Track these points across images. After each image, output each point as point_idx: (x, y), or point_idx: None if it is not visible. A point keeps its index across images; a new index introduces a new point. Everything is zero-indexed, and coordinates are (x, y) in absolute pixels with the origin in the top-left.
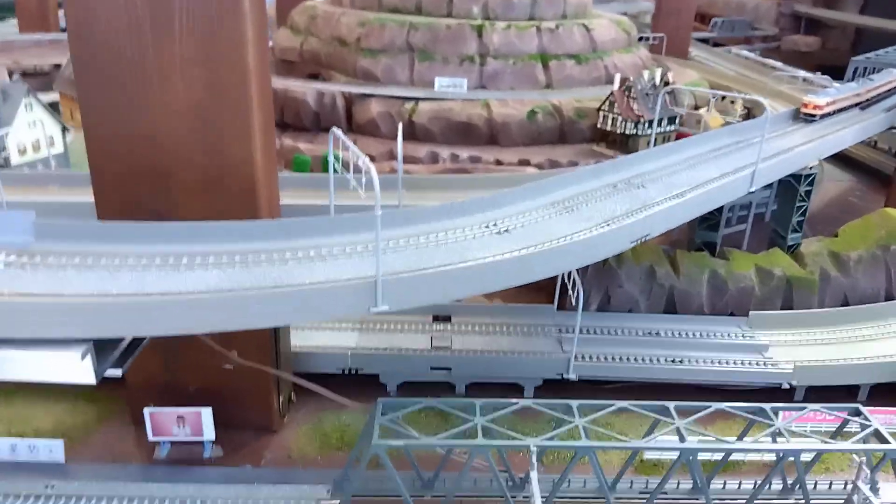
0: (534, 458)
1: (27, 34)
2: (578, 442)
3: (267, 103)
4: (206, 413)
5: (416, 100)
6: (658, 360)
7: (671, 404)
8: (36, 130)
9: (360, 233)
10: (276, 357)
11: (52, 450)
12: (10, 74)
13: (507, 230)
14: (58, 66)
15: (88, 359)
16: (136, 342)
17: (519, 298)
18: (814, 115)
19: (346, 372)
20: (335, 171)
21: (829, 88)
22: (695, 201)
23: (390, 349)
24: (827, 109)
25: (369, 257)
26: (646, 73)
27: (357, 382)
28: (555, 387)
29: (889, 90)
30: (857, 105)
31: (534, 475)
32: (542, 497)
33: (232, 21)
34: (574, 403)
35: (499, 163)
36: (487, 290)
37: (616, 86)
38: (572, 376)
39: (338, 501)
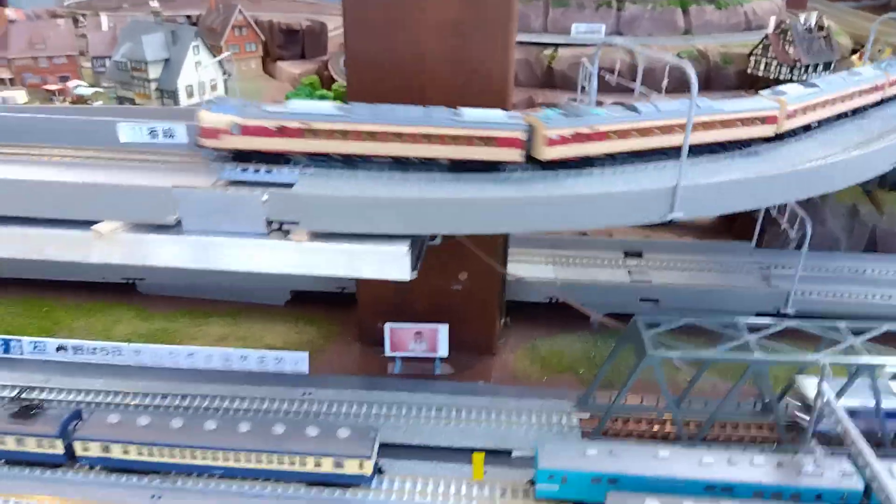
0: (828, 371)
1: None
2: (861, 359)
3: (516, 24)
4: (443, 329)
5: (556, 46)
6: (874, 297)
7: None
8: (201, 73)
9: None
10: (502, 282)
11: (297, 362)
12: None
13: (756, 153)
14: (188, 17)
15: (408, 255)
16: (422, 247)
17: (705, 237)
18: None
19: (553, 301)
20: None
21: None
22: None
23: (592, 282)
24: None
25: (648, 171)
26: (802, 16)
27: (560, 312)
28: None
29: None
30: None
31: (826, 387)
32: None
33: None
34: (841, 324)
35: None
36: (770, 203)
37: (771, 29)
38: (790, 311)
39: (588, 415)
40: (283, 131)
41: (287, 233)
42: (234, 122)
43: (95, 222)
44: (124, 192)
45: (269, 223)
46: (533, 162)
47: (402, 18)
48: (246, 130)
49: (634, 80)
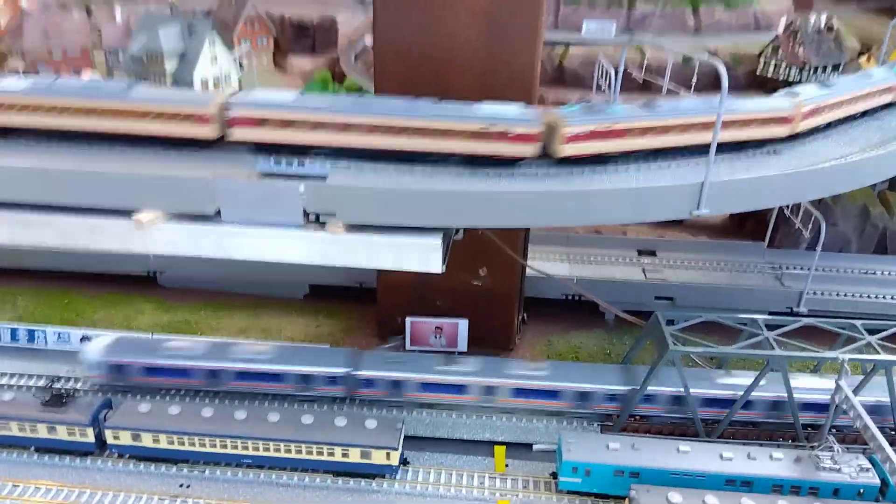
0: (846, 367)
1: None
2: (879, 356)
3: (544, 17)
4: (463, 324)
5: (566, 44)
6: (884, 297)
7: None
8: (216, 66)
9: None
10: (521, 279)
11: None
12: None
13: (775, 152)
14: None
15: (441, 247)
16: (450, 241)
17: (717, 237)
18: None
19: (569, 298)
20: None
21: None
22: None
23: (609, 279)
24: None
25: (676, 168)
26: (812, 17)
27: (576, 309)
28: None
29: None
30: None
31: (844, 384)
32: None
33: None
34: (858, 323)
35: None
36: (795, 201)
37: (781, 29)
38: (803, 310)
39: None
40: None
41: (323, 224)
42: None
43: (132, 212)
44: (165, 182)
45: (306, 214)
46: None
47: (435, 5)
48: None
49: (658, 78)
